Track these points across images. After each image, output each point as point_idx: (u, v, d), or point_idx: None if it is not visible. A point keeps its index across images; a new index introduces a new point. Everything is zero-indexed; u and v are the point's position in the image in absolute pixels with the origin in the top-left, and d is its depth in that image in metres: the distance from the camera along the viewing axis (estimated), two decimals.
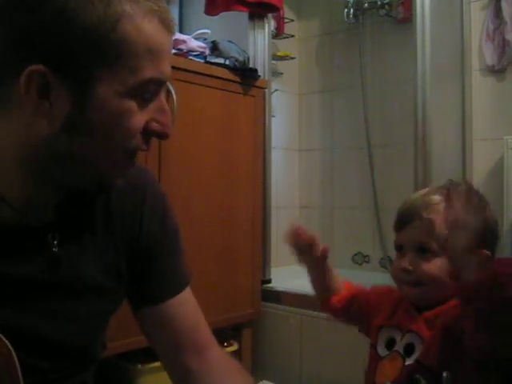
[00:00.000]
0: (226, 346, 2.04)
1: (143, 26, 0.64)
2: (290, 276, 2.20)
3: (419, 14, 1.97)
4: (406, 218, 0.98)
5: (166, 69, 0.68)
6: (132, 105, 0.66)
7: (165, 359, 0.91)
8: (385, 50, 2.63)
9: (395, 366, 0.95)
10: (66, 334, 0.75)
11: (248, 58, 2.24)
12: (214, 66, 2.01)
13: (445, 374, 0.70)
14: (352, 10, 2.65)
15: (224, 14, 2.27)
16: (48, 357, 0.73)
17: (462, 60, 2.28)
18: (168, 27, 0.67)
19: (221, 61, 2.06)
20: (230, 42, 2.16)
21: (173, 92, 1.71)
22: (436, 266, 0.94)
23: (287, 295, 2.18)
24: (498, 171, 2.12)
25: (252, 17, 2.34)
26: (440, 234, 0.93)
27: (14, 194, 0.69)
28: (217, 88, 2.02)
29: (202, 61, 1.99)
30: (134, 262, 0.83)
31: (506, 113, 2.21)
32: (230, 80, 2.06)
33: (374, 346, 1.01)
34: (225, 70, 2.05)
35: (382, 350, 1.00)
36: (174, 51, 1.84)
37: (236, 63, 2.11)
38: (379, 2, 2.58)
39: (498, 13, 2.21)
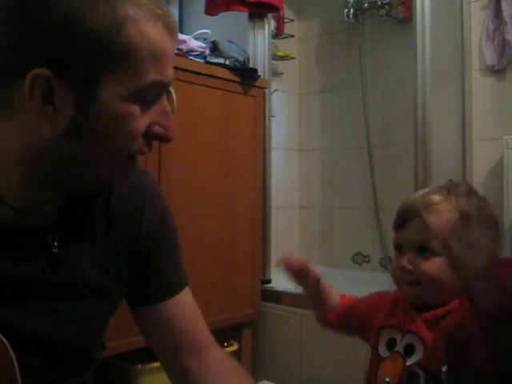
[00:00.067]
0: (226, 346, 2.04)
1: (147, 30, 0.64)
2: None
3: (419, 13, 1.97)
4: (406, 218, 0.98)
5: (170, 72, 0.68)
6: (135, 109, 0.66)
7: (163, 360, 0.91)
8: (385, 50, 2.63)
9: (396, 367, 0.95)
10: (66, 334, 0.75)
11: (248, 58, 2.24)
12: (214, 66, 2.01)
13: (444, 369, 0.70)
14: (352, 10, 2.65)
15: (224, 13, 2.27)
16: (48, 357, 0.73)
17: (462, 60, 2.28)
18: (172, 31, 0.67)
19: (221, 61, 2.06)
20: (230, 41, 2.16)
21: (173, 92, 1.71)
22: (435, 265, 0.94)
23: (287, 295, 2.18)
24: (498, 171, 2.12)
25: (252, 17, 2.34)
26: (440, 233, 0.93)
27: (14, 194, 0.69)
28: (217, 88, 2.02)
29: (202, 61, 1.99)
30: (133, 263, 0.83)
31: (506, 113, 2.21)
32: (230, 80, 2.06)
33: (375, 347, 1.01)
34: (225, 69, 2.05)
35: (383, 351, 1.00)
36: None
37: (236, 63, 2.11)
38: (379, 2, 2.59)
39: (498, 13, 2.21)
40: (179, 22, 2.63)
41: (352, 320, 1.08)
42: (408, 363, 0.94)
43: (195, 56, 1.97)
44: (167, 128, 0.70)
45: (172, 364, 0.89)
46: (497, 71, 2.24)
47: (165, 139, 0.71)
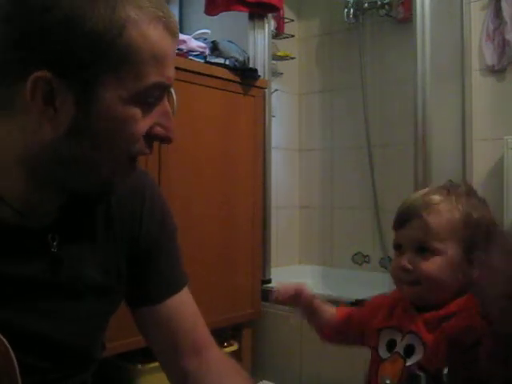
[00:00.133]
0: (226, 346, 2.04)
1: (148, 32, 0.64)
2: (289, 276, 2.20)
3: (419, 13, 1.97)
4: (406, 217, 0.98)
5: (171, 73, 0.68)
6: (136, 111, 0.66)
7: (163, 360, 0.91)
8: (385, 50, 2.63)
9: (396, 368, 0.95)
10: (66, 334, 0.75)
11: (248, 58, 2.24)
12: (214, 66, 2.02)
13: (445, 371, 0.70)
14: (352, 10, 2.65)
15: (224, 13, 2.27)
16: (48, 357, 0.73)
17: (461, 60, 2.28)
18: (172, 33, 0.67)
19: (221, 61, 2.07)
20: (230, 41, 2.16)
21: (173, 92, 1.71)
22: (435, 264, 0.94)
23: None
24: (498, 171, 2.12)
25: (252, 17, 2.35)
26: (440, 233, 0.94)
27: (14, 195, 0.69)
28: (217, 88, 2.02)
29: (202, 61, 1.99)
30: (133, 263, 0.83)
31: (506, 113, 2.21)
32: (230, 80, 2.07)
33: (375, 349, 1.01)
34: (225, 70, 2.05)
35: (383, 352, 1.00)
36: None
37: (236, 63, 2.11)
38: (379, 2, 2.59)
39: (498, 13, 2.21)
40: (179, 22, 2.63)
41: (351, 328, 1.09)
42: (408, 364, 0.94)
43: (195, 56, 1.97)
44: (168, 129, 0.70)
45: (171, 364, 0.89)
46: (497, 71, 2.24)
47: (166, 140, 0.71)
